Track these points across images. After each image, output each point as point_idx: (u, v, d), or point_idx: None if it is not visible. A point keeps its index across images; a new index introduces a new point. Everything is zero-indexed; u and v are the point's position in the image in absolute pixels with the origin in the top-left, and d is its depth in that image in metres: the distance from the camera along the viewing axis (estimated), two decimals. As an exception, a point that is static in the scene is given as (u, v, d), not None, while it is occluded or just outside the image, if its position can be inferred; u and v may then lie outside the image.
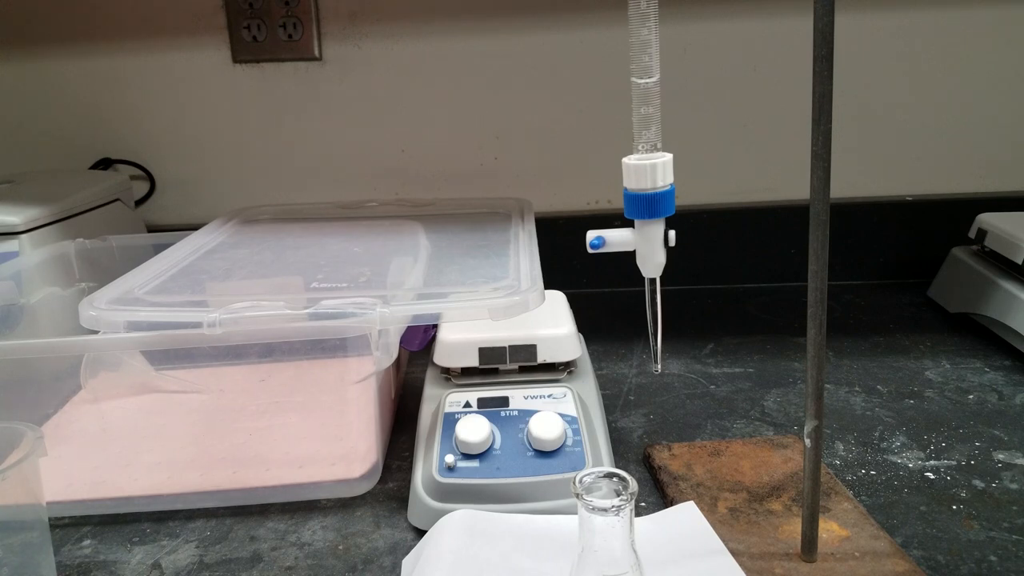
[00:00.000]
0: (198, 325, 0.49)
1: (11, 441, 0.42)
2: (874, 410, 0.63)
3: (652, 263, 0.46)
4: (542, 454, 0.50)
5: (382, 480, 0.56)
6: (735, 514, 0.48)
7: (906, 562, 0.43)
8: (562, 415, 0.52)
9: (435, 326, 0.59)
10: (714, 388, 0.68)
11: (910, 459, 0.56)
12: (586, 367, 0.59)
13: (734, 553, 0.43)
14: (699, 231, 0.93)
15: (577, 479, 0.35)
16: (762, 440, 0.57)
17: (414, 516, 0.50)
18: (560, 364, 0.57)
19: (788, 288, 0.93)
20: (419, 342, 0.61)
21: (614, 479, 0.35)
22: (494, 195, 0.94)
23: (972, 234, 0.81)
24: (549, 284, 0.55)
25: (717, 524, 0.47)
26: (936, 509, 0.50)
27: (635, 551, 0.35)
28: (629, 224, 0.46)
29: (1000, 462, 0.55)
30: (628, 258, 0.47)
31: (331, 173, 0.96)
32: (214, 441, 0.57)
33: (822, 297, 0.39)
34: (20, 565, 0.41)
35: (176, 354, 0.60)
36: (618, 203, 0.69)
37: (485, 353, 0.56)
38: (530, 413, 0.53)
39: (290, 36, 0.90)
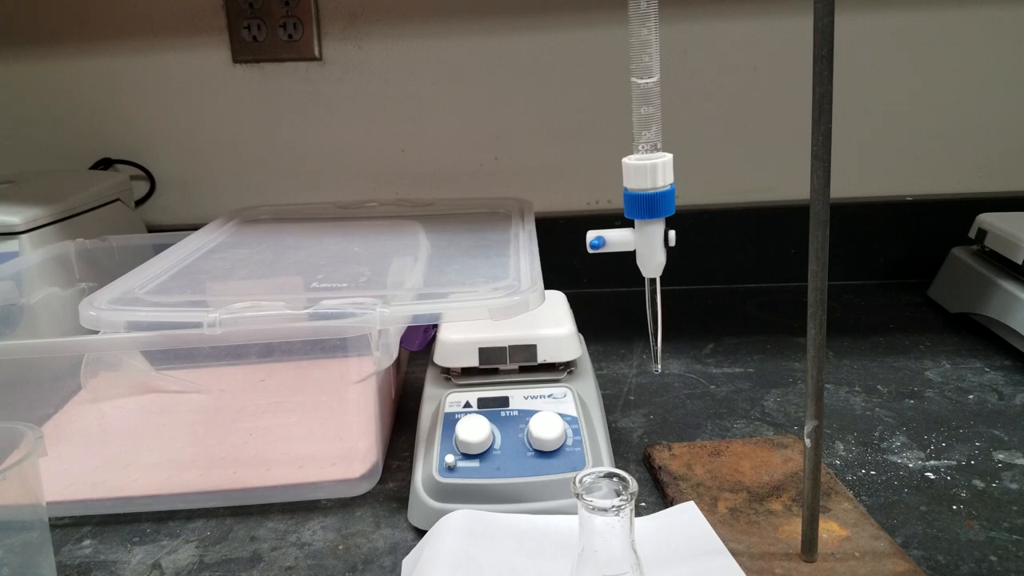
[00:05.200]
0: (198, 325, 0.49)
1: (11, 441, 0.42)
2: (874, 410, 0.63)
3: (652, 263, 0.46)
4: (542, 454, 0.50)
5: (382, 480, 0.56)
6: (735, 514, 0.48)
7: (906, 562, 0.43)
8: (562, 415, 0.52)
9: (435, 326, 0.59)
10: (714, 388, 0.68)
11: (910, 459, 0.56)
12: (586, 367, 0.59)
13: (734, 553, 0.43)
14: (699, 231, 0.93)
15: (577, 479, 0.35)
16: (762, 440, 0.57)
17: (414, 516, 0.50)
18: (560, 364, 0.57)
19: (788, 288, 0.93)
20: (419, 342, 0.61)
21: (614, 479, 0.35)
22: (494, 195, 0.94)
23: (972, 234, 0.81)
24: (549, 284, 0.55)
25: (717, 524, 0.47)
26: (936, 509, 0.50)
27: (635, 551, 0.35)
28: (629, 224, 0.46)
29: (1000, 462, 0.55)
30: (628, 258, 0.47)
31: (331, 173, 0.96)
32: (214, 441, 0.57)
33: (822, 297, 0.39)
34: (20, 565, 0.41)
35: (176, 354, 0.60)
36: (618, 203, 0.69)
37: (485, 353, 0.56)
38: (530, 413, 0.53)
39: (290, 36, 0.90)
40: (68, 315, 0.67)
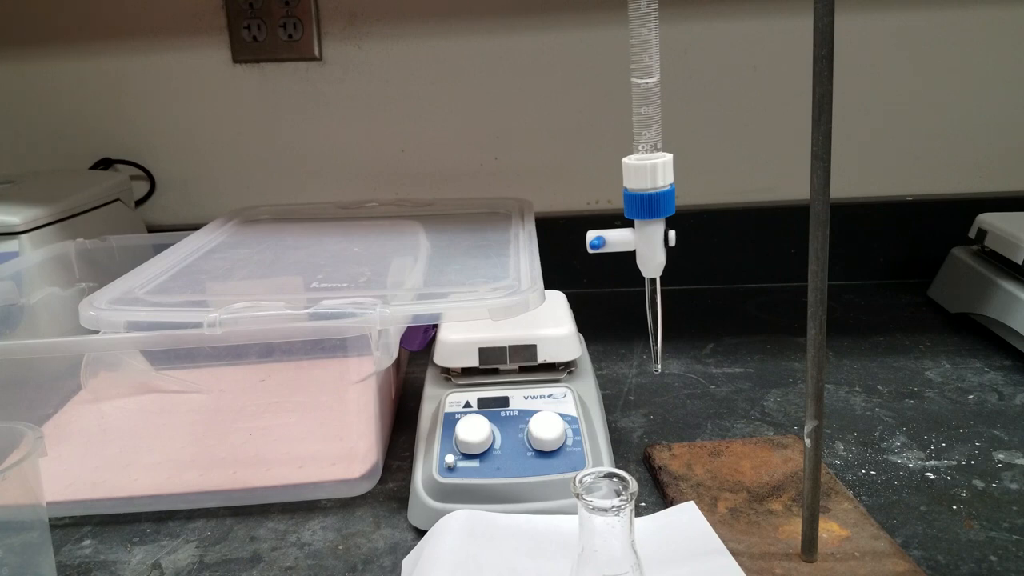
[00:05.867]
0: (198, 325, 0.49)
1: (11, 441, 0.42)
2: (874, 410, 0.63)
3: (652, 263, 0.46)
4: (542, 454, 0.50)
5: (382, 480, 0.56)
6: (735, 514, 0.48)
7: (906, 562, 0.43)
8: (562, 415, 0.52)
9: (435, 326, 0.59)
10: (714, 388, 0.68)
11: (910, 459, 0.56)
12: (586, 367, 0.59)
13: (734, 553, 0.43)
14: (699, 231, 0.93)
15: (577, 479, 0.35)
16: (762, 440, 0.57)
17: (414, 516, 0.50)
18: (560, 364, 0.57)
19: (788, 288, 0.93)
20: (419, 342, 0.61)
21: (614, 479, 0.35)
22: (494, 195, 0.94)
23: (972, 234, 0.81)
24: (549, 284, 0.55)
25: (717, 524, 0.47)
26: (936, 509, 0.50)
27: (635, 551, 0.35)
28: (629, 224, 0.46)
29: (1000, 462, 0.55)
30: (628, 258, 0.47)
31: (331, 173, 0.96)
32: (214, 441, 0.57)
33: (822, 297, 0.39)
34: (20, 565, 0.41)
35: (176, 354, 0.60)
36: (618, 203, 0.69)
37: (485, 353, 0.56)
38: (530, 413, 0.53)
39: (290, 36, 0.90)
40: (68, 315, 0.67)
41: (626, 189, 0.44)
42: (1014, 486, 0.52)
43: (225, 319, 0.49)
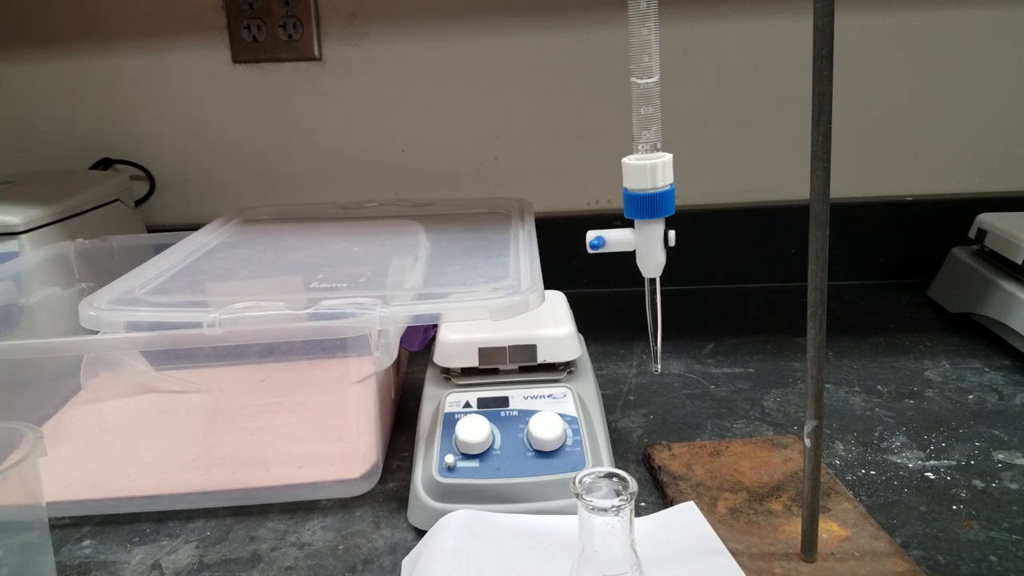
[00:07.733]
0: (198, 325, 0.49)
1: (11, 441, 0.42)
2: (874, 410, 0.63)
3: (652, 263, 0.46)
4: (542, 454, 0.50)
5: (382, 480, 0.56)
6: (735, 514, 0.48)
7: (906, 562, 0.43)
8: (562, 415, 0.52)
9: (435, 326, 0.59)
10: (714, 388, 0.68)
11: (910, 459, 0.56)
12: (586, 367, 0.59)
13: (734, 553, 0.43)
14: (699, 231, 0.93)
15: (577, 479, 0.35)
16: (762, 440, 0.57)
17: (414, 516, 0.50)
18: (560, 364, 0.57)
19: (788, 288, 0.93)
20: (419, 342, 0.61)
21: (614, 479, 0.35)
22: (494, 195, 0.94)
23: (972, 234, 0.81)
24: (549, 284, 0.55)
25: (717, 524, 0.47)
26: (936, 509, 0.50)
27: (635, 551, 0.35)
28: (629, 224, 0.46)
29: (1000, 462, 0.55)
30: (628, 258, 0.47)
31: (331, 173, 0.96)
32: (214, 441, 0.57)
33: (822, 297, 0.39)
34: (20, 565, 0.41)
35: (176, 354, 0.60)
36: (618, 203, 0.68)
37: (485, 353, 0.56)
38: (530, 413, 0.53)
39: (290, 36, 0.90)
40: (68, 315, 0.67)
41: (626, 189, 0.44)
42: (1014, 486, 0.52)
43: (225, 319, 0.49)
